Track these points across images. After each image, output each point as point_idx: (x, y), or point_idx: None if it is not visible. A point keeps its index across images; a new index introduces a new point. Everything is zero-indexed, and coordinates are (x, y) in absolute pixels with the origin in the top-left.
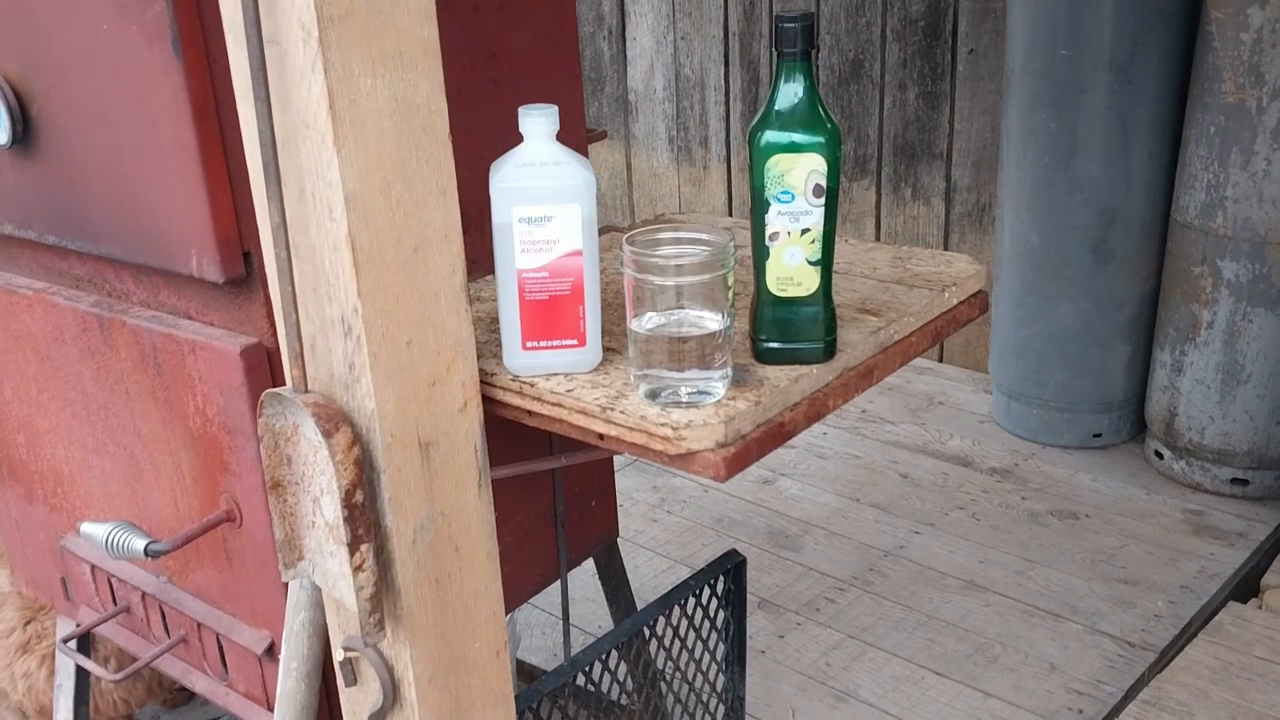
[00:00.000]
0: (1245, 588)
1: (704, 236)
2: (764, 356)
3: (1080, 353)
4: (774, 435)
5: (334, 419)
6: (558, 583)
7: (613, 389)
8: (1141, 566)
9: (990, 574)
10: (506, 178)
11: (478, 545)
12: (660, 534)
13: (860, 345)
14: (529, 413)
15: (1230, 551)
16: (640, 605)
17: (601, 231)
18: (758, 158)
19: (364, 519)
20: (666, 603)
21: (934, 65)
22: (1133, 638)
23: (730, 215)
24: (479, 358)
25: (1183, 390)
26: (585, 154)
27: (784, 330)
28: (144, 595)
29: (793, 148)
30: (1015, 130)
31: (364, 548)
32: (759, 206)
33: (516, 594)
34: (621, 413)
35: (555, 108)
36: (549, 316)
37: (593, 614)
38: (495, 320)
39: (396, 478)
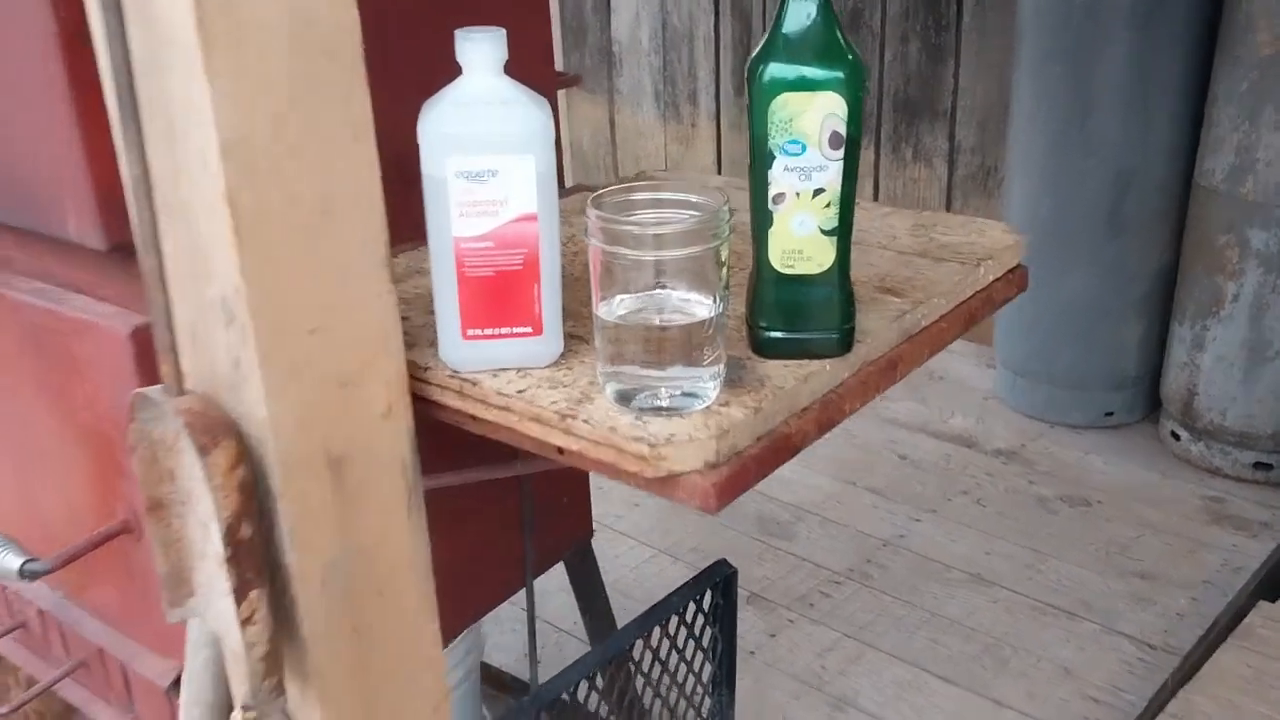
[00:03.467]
0: (1271, 582)
1: (690, 198)
2: (765, 349)
3: (1091, 327)
4: (777, 450)
5: (212, 430)
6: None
7: (575, 389)
8: (1159, 559)
9: (997, 566)
10: (439, 120)
11: (407, 585)
12: (641, 520)
13: (881, 333)
14: (472, 418)
15: (1254, 543)
16: (619, 602)
17: (573, 190)
18: (760, 97)
19: (252, 559)
20: (646, 623)
21: (938, 16)
22: (1153, 639)
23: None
24: (408, 349)
25: (1203, 368)
26: (552, 98)
27: (790, 316)
28: (40, 611)
29: (804, 85)
30: (1026, 87)
31: (254, 594)
32: (761, 160)
33: (480, 603)
34: (585, 422)
35: (502, 30)
36: (496, 297)
37: (567, 608)
38: (431, 301)
39: (298, 504)
